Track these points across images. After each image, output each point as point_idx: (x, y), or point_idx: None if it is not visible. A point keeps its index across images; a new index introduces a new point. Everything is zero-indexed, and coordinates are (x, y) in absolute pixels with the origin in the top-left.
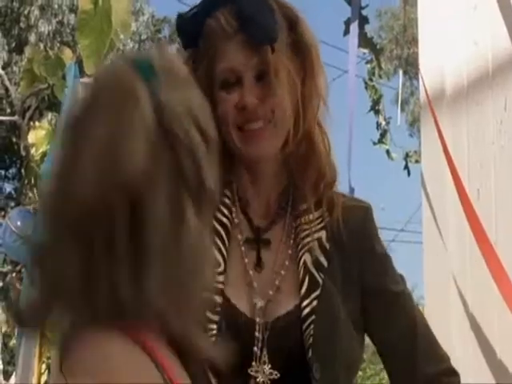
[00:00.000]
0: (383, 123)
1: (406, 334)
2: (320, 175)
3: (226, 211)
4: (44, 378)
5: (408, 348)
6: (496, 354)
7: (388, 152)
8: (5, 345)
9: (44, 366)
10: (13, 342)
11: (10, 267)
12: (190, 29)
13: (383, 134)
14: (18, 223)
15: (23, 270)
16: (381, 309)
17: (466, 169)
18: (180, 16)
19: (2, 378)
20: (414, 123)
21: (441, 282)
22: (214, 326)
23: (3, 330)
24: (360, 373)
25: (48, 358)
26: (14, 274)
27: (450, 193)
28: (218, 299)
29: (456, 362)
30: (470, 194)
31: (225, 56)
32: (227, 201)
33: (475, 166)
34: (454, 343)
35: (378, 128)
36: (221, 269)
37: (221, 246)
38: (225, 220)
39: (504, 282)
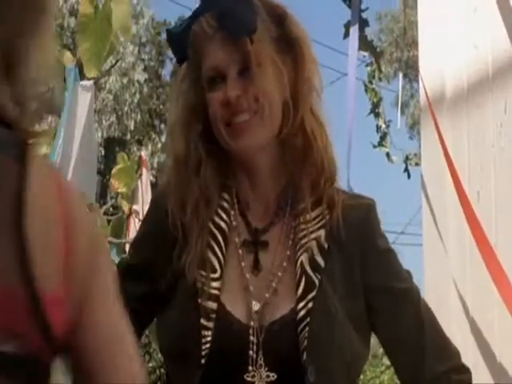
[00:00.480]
0: (383, 126)
1: (413, 331)
2: (318, 170)
3: (224, 215)
4: None
5: (416, 345)
6: (496, 357)
7: (388, 155)
8: None
9: None
10: None
11: None
12: (178, 39)
13: (383, 137)
14: None
15: None
16: (386, 306)
17: (466, 171)
18: (169, 30)
19: None
20: (413, 126)
21: (441, 284)
22: (209, 333)
23: None
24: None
25: None
26: None
27: (450, 195)
28: (213, 305)
29: None
30: (470, 197)
31: (208, 56)
32: (226, 205)
33: (475, 168)
34: None
35: (377, 131)
36: (217, 275)
37: (217, 250)
38: (222, 224)
39: (504, 285)
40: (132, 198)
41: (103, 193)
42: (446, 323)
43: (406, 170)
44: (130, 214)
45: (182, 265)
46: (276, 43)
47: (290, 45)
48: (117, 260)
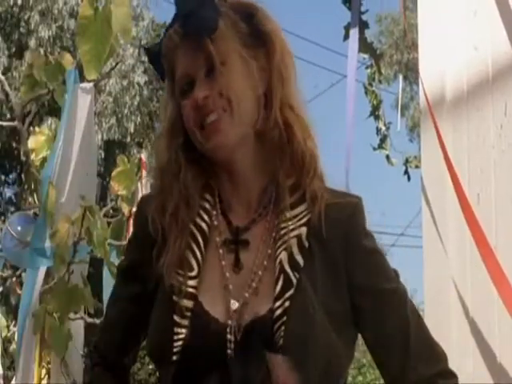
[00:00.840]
0: (383, 128)
1: (398, 331)
2: (299, 163)
3: (205, 216)
4: (44, 382)
5: (401, 346)
6: (496, 357)
7: (388, 157)
8: (5, 350)
9: (44, 371)
10: (13, 347)
11: (10, 272)
12: (158, 58)
13: (383, 140)
14: (19, 228)
15: (23, 274)
16: (371, 307)
17: (466, 174)
18: (147, 50)
19: (2, 383)
20: (413, 128)
21: (441, 287)
22: (183, 331)
23: (3, 335)
24: (360, 377)
25: (48, 363)
26: (14, 279)
27: (450, 197)
28: (188, 304)
29: (455, 366)
30: (470, 199)
31: (178, 65)
32: (207, 205)
33: (475, 170)
34: (454, 347)
35: (377, 133)
36: (194, 273)
37: (196, 250)
38: (203, 224)
39: (504, 287)
40: (132, 200)
41: (103, 195)
42: (446, 324)
43: (406, 172)
44: (130, 216)
45: (160, 266)
46: (246, 39)
47: (261, 39)
48: (117, 262)
